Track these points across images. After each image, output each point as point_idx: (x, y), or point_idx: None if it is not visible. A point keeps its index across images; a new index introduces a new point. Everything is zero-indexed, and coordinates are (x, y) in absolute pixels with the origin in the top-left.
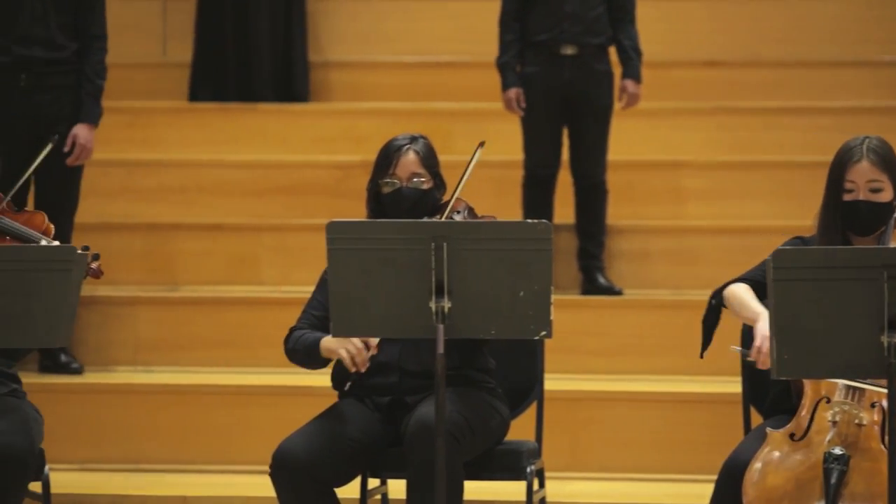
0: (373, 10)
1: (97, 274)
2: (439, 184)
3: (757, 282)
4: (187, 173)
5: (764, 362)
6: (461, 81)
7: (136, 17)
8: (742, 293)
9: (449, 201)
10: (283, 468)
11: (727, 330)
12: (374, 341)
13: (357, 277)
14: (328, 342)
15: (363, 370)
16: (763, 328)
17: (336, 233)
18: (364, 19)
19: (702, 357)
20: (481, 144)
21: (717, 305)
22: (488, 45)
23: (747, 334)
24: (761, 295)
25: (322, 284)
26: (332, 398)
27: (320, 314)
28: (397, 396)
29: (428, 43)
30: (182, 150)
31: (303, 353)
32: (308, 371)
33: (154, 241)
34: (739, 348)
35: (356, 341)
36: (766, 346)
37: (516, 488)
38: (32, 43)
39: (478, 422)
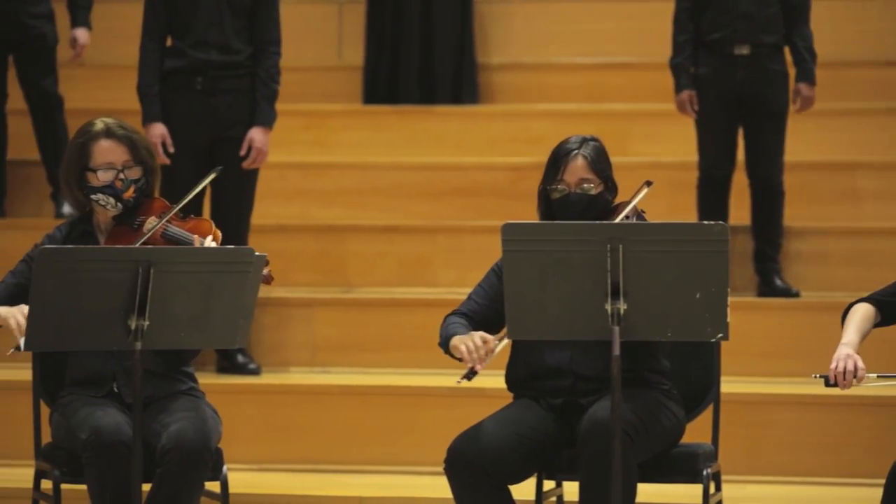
0: (546, 12)
1: (268, 280)
2: (610, 187)
3: (884, 301)
4: (362, 175)
5: (844, 384)
6: (635, 82)
7: (312, 21)
8: (852, 315)
9: (620, 205)
10: (459, 463)
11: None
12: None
13: (532, 279)
14: (455, 339)
15: (479, 368)
16: (840, 352)
17: (512, 234)
18: (537, 21)
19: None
20: (648, 184)
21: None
22: (661, 46)
23: None
24: (887, 314)
25: (491, 274)
26: (507, 400)
27: (482, 302)
28: (571, 398)
29: (601, 44)
30: (357, 152)
31: (442, 344)
32: (483, 373)
33: (329, 243)
34: (818, 375)
35: (476, 338)
36: (842, 366)
37: (692, 491)
38: (209, 47)
39: (652, 421)
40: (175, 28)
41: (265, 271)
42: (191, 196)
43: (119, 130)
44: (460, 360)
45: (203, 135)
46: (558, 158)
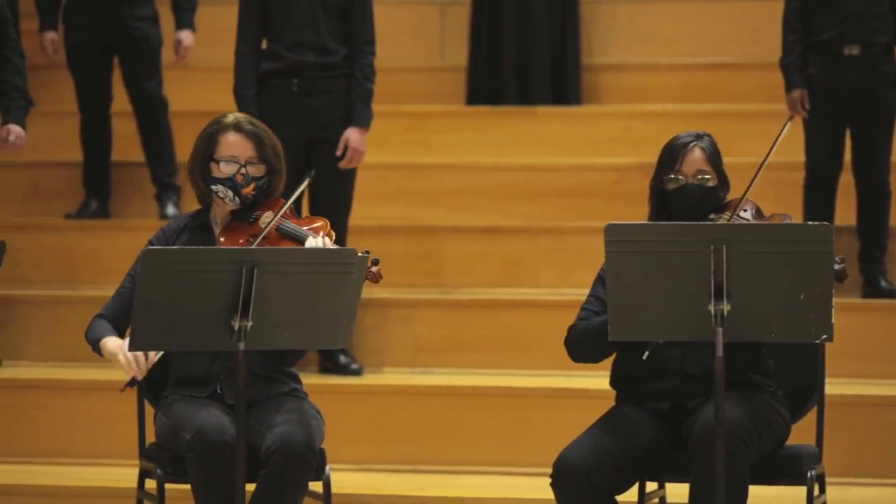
0: (649, 13)
1: (376, 278)
2: (723, 183)
3: None
4: (464, 176)
5: None
6: (738, 83)
7: (415, 22)
8: None
9: (734, 200)
10: (565, 477)
11: None
12: None
13: (635, 280)
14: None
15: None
16: None
17: (615, 235)
18: (641, 21)
19: None
20: (790, 119)
21: None
22: (764, 46)
23: None
24: None
25: (598, 281)
26: (610, 401)
27: (596, 309)
28: (678, 401)
29: (705, 44)
30: (459, 153)
31: (593, 339)
32: (586, 373)
33: (431, 244)
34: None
35: None
36: None
37: (796, 493)
38: (304, 49)
39: (763, 425)
40: (270, 30)
41: (375, 269)
42: (293, 199)
43: (248, 126)
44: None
45: (300, 136)
46: (675, 150)
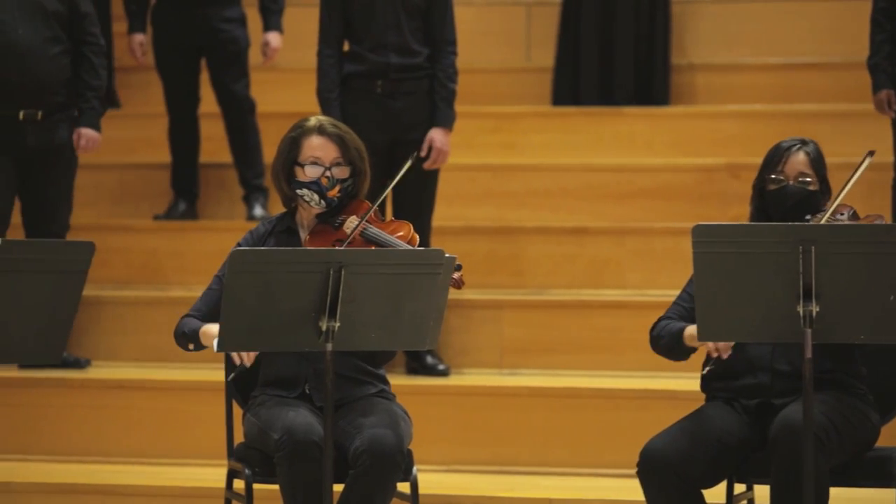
0: (738, 12)
1: (458, 284)
2: (825, 189)
3: None
4: (551, 177)
5: None
6: (825, 82)
7: (501, 23)
8: None
9: (830, 204)
10: (651, 466)
11: None
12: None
13: (723, 281)
14: (691, 330)
15: (725, 356)
16: None
17: (702, 236)
18: (729, 21)
19: None
20: (870, 154)
21: None
22: (851, 45)
23: None
24: None
25: (687, 289)
26: (698, 402)
27: (689, 305)
28: (765, 399)
29: (793, 44)
30: (546, 154)
31: (668, 340)
32: (674, 374)
33: (518, 245)
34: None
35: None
36: None
37: (885, 496)
38: (388, 50)
39: (844, 425)
40: (352, 33)
41: (456, 276)
42: (388, 190)
43: (331, 128)
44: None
45: (383, 137)
46: (779, 152)
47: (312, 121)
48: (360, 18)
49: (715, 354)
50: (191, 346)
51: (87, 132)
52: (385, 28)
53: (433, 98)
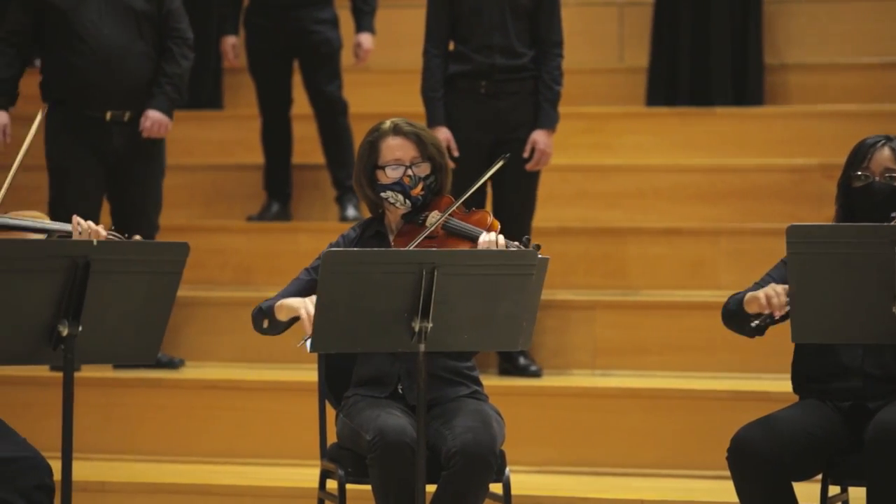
0: (830, 12)
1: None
2: None
3: None
4: (644, 178)
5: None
6: None
7: (593, 24)
8: None
9: None
10: (743, 453)
11: None
12: None
13: (818, 281)
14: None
15: (777, 314)
16: None
17: (797, 237)
18: (823, 20)
19: None
20: None
21: None
22: None
23: None
24: None
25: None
26: (785, 402)
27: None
28: (859, 401)
29: (887, 43)
30: (639, 154)
31: (733, 305)
32: (767, 376)
33: (610, 246)
34: None
35: (773, 287)
36: None
37: None
38: (493, 51)
39: None
40: (458, 33)
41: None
42: (476, 186)
43: (406, 127)
44: (756, 315)
45: (486, 137)
46: (864, 148)
47: (387, 123)
48: (467, 19)
49: (766, 310)
50: (265, 324)
51: (153, 114)
52: (491, 29)
53: (537, 99)
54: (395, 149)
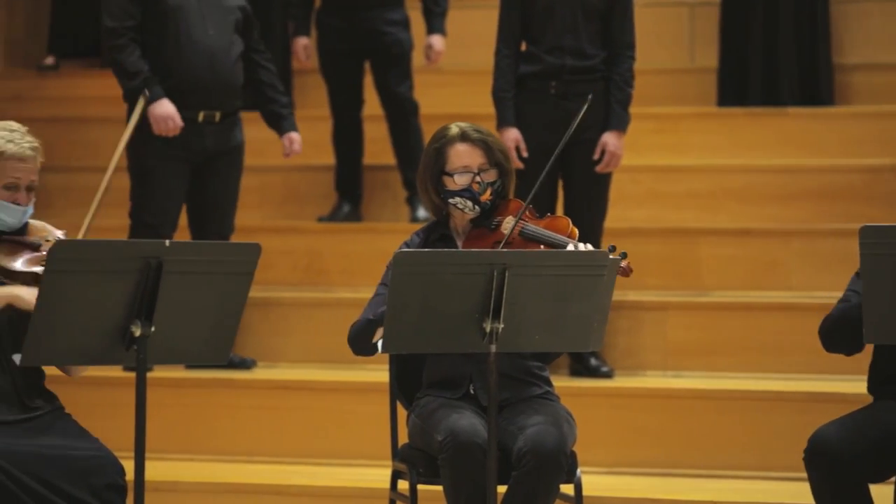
0: None
1: (626, 272)
2: None
3: None
4: (714, 178)
5: None
6: None
7: (663, 24)
8: None
9: None
10: (818, 452)
11: None
12: None
13: (891, 282)
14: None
15: None
16: None
17: (870, 237)
18: (890, 20)
19: None
20: None
21: None
22: None
23: None
24: None
25: (855, 276)
26: (860, 403)
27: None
28: None
29: None
30: (709, 155)
31: (845, 323)
32: (841, 377)
33: (682, 246)
34: None
35: None
36: None
37: None
38: (563, 52)
39: None
40: (530, 34)
41: (624, 263)
42: (541, 178)
43: (474, 134)
44: None
45: (556, 138)
46: None
47: (454, 129)
48: (539, 20)
49: None
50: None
51: (297, 136)
52: (563, 31)
53: (608, 100)
54: (464, 155)
